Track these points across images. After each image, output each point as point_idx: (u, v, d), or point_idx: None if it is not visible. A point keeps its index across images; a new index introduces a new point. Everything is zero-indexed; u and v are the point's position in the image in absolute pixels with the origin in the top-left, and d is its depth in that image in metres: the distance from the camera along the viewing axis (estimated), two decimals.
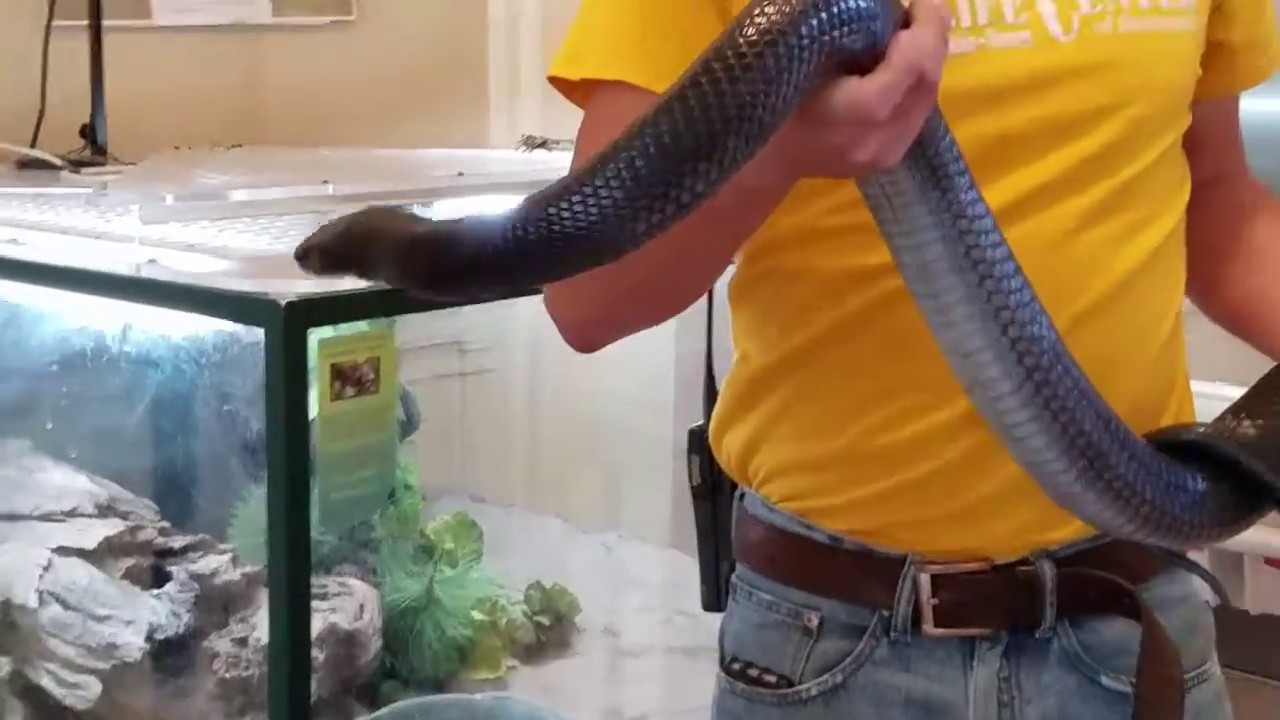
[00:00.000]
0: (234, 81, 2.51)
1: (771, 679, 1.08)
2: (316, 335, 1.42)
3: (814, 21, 0.66)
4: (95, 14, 2.15)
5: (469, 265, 0.68)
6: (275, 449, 1.32)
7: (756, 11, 0.67)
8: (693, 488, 1.23)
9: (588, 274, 0.81)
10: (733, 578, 1.14)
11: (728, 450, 1.14)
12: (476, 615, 1.94)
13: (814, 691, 1.07)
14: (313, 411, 1.49)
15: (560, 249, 0.68)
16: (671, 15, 1.02)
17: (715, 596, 1.20)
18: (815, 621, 1.07)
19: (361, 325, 1.64)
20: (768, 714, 1.09)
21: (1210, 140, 1.16)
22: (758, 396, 1.10)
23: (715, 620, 1.18)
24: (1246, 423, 1.01)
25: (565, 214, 0.66)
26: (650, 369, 2.33)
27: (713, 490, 1.20)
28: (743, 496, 1.14)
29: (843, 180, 0.87)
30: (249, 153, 2.22)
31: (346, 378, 1.60)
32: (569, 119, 2.69)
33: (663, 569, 2.28)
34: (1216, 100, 1.16)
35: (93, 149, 2.16)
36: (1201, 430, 1.01)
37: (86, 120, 2.17)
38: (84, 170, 2.07)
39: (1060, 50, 1.01)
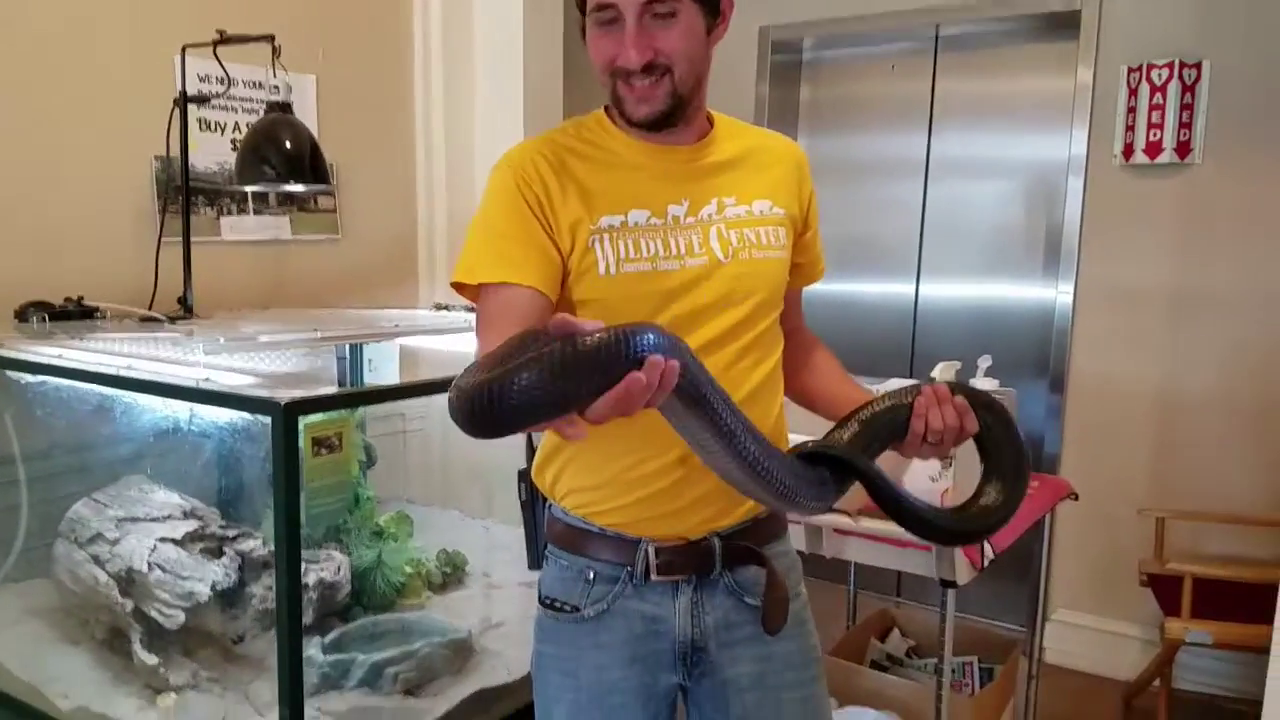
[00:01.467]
0: (269, 270, 2.52)
1: (568, 607, 1.15)
2: (304, 420, 1.45)
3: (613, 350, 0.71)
4: (186, 233, 2.18)
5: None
6: (278, 486, 1.34)
7: (587, 342, 0.71)
8: (521, 501, 1.29)
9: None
10: (546, 551, 1.20)
11: (542, 479, 1.19)
12: (407, 569, 1.97)
13: (591, 613, 1.14)
14: (302, 463, 1.55)
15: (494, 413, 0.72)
16: (525, 237, 1.05)
17: (535, 561, 1.26)
18: (592, 575, 1.15)
19: (334, 413, 1.70)
20: (566, 628, 1.16)
21: (790, 311, 1.25)
22: (558, 450, 1.15)
23: (536, 574, 1.25)
24: (837, 436, 1.09)
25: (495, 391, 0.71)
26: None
27: (532, 502, 1.26)
28: (549, 505, 1.20)
29: None
30: (275, 312, 2.25)
31: (321, 444, 1.65)
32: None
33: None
34: (794, 291, 1.27)
35: (184, 309, 2.18)
36: (813, 444, 1.08)
37: (181, 293, 2.19)
38: (178, 322, 2.07)
39: (723, 268, 1.12)
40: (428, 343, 1.99)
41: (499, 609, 2.01)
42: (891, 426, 1.09)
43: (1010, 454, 1.14)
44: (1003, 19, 3.28)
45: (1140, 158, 3.00)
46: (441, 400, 1.95)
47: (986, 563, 1.91)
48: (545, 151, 1.10)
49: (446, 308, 2.26)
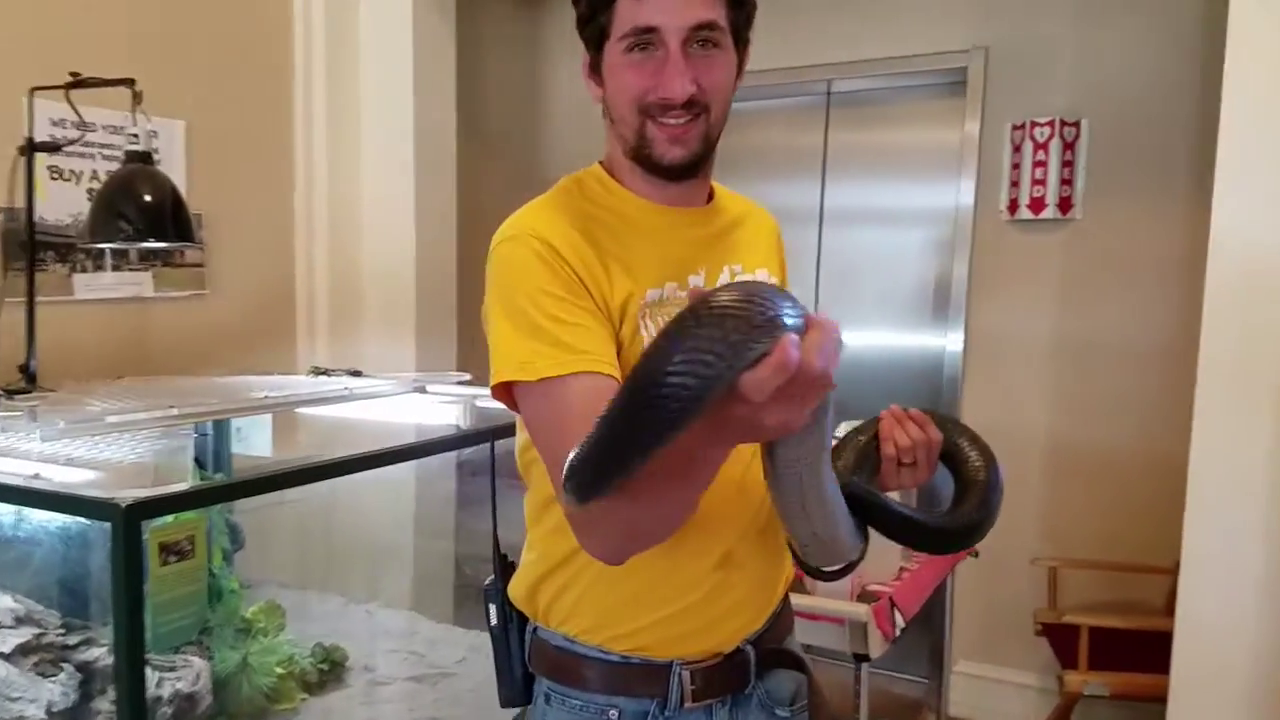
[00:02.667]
0: (127, 332, 2.29)
1: None
2: (150, 525, 1.27)
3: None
4: (30, 292, 1.94)
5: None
6: (118, 604, 1.16)
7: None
8: (491, 627, 1.10)
9: (604, 526, 0.81)
10: (544, 688, 1.03)
11: (532, 600, 1.04)
12: (278, 669, 1.77)
13: None
14: (147, 574, 1.34)
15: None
16: (584, 316, 0.90)
17: (511, 698, 1.09)
18: (616, 714, 0.99)
19: (186, 514, 1.50)
20: None
21: None
22: (564, 563, 1.00)
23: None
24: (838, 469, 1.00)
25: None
26: (395, 498, 2.23)
27: (505, 629, 1.08)
28: (534, 631, 1.05)
29: None
30: (129, 383, 2.01)
31: (170, 550, 1.45)
32: (348, 354, 2.54)
33: (402, 624, 2.15)
34: None
35: (26, 380, 1.92)
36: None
37: (22, 360, 1.94)
38: (16, 397, 1.83)
39: None
40: (304, 410, 1.82)
41: (385, 711, 1.82)
42: (868, 457, 1.04)
43: (980, 450, 1.08)
44: (892, 75, 3.31)
45: (1025, 213, 3.05)
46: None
47: (899, 632, 1.85)
48: (570, 219, 0.95)
49: (325, 372, 2.07)
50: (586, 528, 0.83)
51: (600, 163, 1.04)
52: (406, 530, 2.24)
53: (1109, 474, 2.99)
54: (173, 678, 1.59)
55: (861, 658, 1.79)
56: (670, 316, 0.93)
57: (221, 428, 1.95)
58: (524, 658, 1.06)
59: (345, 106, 2.73)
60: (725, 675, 1.00)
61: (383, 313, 2.76)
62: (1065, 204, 3.00)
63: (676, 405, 0.59)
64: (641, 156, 0.97)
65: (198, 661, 1.64)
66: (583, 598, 0.99)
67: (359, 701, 1.83)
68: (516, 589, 1.06)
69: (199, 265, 2.43)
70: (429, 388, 2.04)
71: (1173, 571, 2.74)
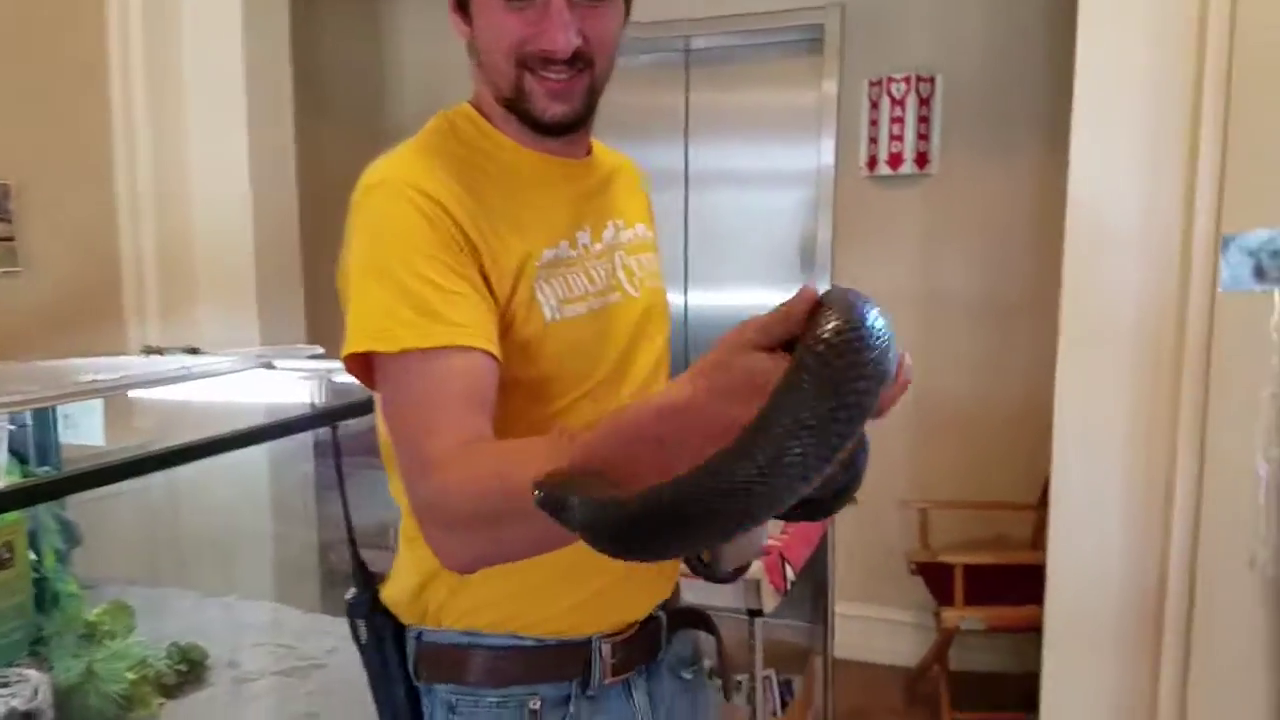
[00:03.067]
0: None
1: None
2: None
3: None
4: None
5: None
6: None
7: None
8: (362, 645, 0.96)
9: (501, 540, 0.71)
10: (445, 697, 0.91)
11: (418, 603, 0.92)
12: (130, 675, 1.61)
13: None
14: None
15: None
16: (460, 282, 0.78)
17: (396, 717, 0.94)
18: (538, 704, 0.89)
19: (3, 516, 1.32)
20: None
21: None
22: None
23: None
24: None
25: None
26: (247, 484, 2.07)
27: (379, 642, 0.94)
28: (421, 636, 0.92)
29: None
30: None
31: None
32: (184, 332, 2.34)
33: (266, 616, 2.00)
34: None
35: None
36: None
37: None
38: None
39: (635, 302, 0.94)
40: (139, 394, 1.64)
41: (254, 709, 1.68)
42: None
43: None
44: (750, 32, 3.30)
45: (883, 168, 3.11)
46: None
47: (789, 585, 1.85)
48: (450, 169, 0.84)
49: (159, 351, 1.89)
50: (462, 535, 0.72)
51: (470, 103, 0.93)
52: (262, 517, 2.09)
53: (972, 420, 3.10)
54: (5, 695, 1.42)
55: (755, 612, 1.77)
56: (568, 279, 0.87)
57: (44, 417, 1.75)
58: (406, 671, 0.94)
59: (167, 62, 2.49)
60: (642, 645, 0.95)
61: (219, 286, 2.55)
62: (922, 159, 3.07)
63: (807, 472, 0.51)
64: (519, 110, 0.88)
65: (35, 675, 1.47)
66: (490, 589, 0.89)
67: (224, 702, 1.68)
68: (395, 593, 0.94)
69: (8, 239, 2.18)
70: (276, 363, 1.88)
71: (1037, 508, 2.89)
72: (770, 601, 1.76)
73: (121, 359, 1.82)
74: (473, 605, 0.89)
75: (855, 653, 3.14)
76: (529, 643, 0.90)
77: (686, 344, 3.62)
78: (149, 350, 1.85)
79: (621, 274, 0.93)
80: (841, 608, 3.22)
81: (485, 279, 0.81)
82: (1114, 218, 2.04)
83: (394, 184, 0.81)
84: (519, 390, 0.82)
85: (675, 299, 3.63)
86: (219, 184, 2.54)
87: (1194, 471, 1.93)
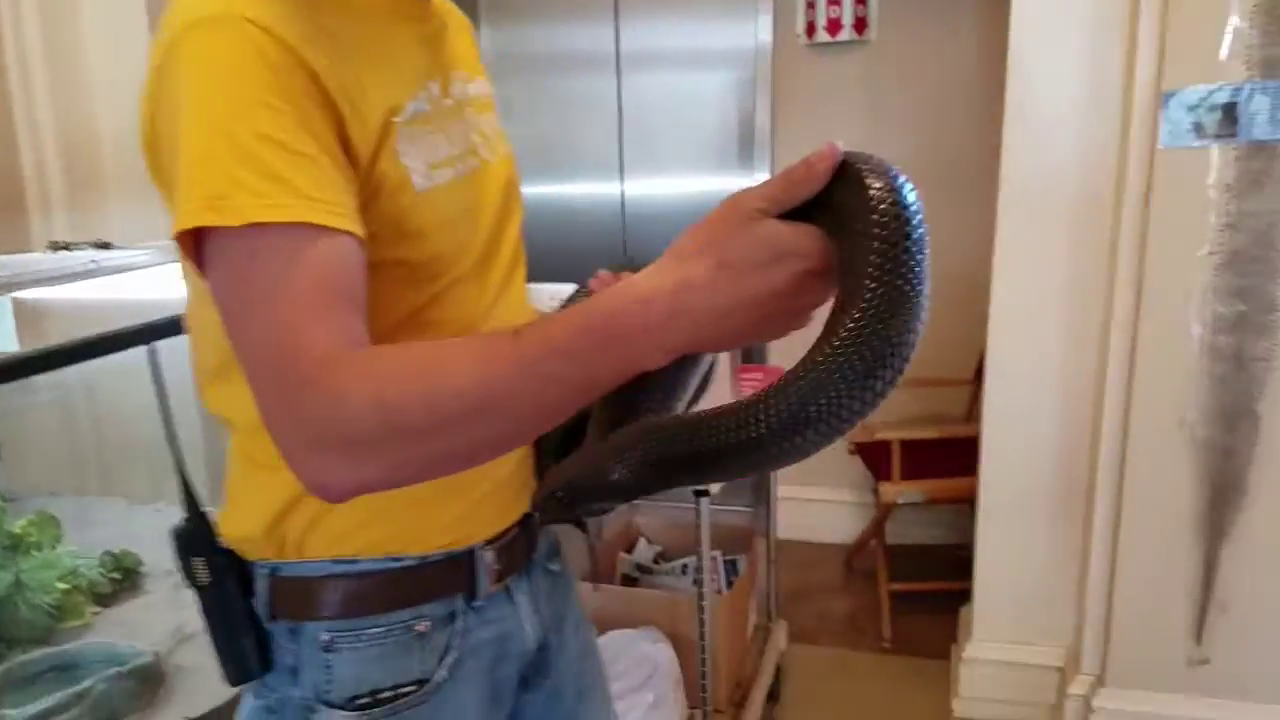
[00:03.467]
0: None
1: (409, 687, 0.80)
2: None
3: None
4: None
5: None
6: None
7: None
8: (201, 587, 0.81)
9: (411, 451, 0.61)
10: (317, 637, 0.79)
11: (274, 536, 0.79)
12: (61, 585, 1.55)
13: (445, 674, 0.82)
14: None
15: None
16: (312, 143, 0.63)
17: (245, 667, 0.81)
18: (425, 625, 0.81)
19: None
20: (415, 716, 0.81)
21: None
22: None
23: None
24: None
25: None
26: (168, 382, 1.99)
27: (220, 582, 0.81)
28: (276, 571, 0.79)
29: None
30: None
31: None
32: (93, 227, 2.20)
33: None
34: None
35: None
36: None
37: None
38: None
39: (492, 168, 0.83)
40: (49, 294, 1.54)
41: (193, 615, 1.65)
42: None
43: None
44: None
45: (822, 35, 3.03)
46: (82, 367, 1.51)
47: None
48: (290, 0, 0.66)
49: (66, 247, 1.77)
50: (357, 458, 0.60)
51: None
52: (190, 417, 2.01)
53: None
54: None
55: (701, 493, 1.78)
56: (430, 140, 0.74)
57: None
58: (253, 613, 0.81)
59: None
60: (521, 546, 0.89)
61: (129, 177, 2.39)
62: (860, 24, 3.00)
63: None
64: None
65: None
66: (364, 509, 0.75)
67: (163, 608, 1.64)
68: (238, 527, 0.81)
69: None
70: None
71: (972, 383, 2.94)
72: (717, 483, 1.76)
73: (24, 256, 1.71)
74: (344, 530, 0.79)
75: (795, 533, 3.21)
76: (410, 562, 0.81)
77: (625, 236, 3.56)
78: (56, 246, 1.73)
79: (476, 136, 0.81)
80: (782, 491, 3.29)
81: (345, 140, 0.67)
82: (1054, 78, 2.01)
83: (225, 20, 0.63)
84: (384, 274, 0.69)
85: (612, 189, 3.54)
86: (118, 69, 2.35)
87: (1129, 335, 1.96)
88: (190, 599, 1.62)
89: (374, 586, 0.80)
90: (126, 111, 2.34)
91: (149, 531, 1.84)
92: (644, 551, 2.42)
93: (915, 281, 0.52)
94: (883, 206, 0.52)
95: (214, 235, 0.62)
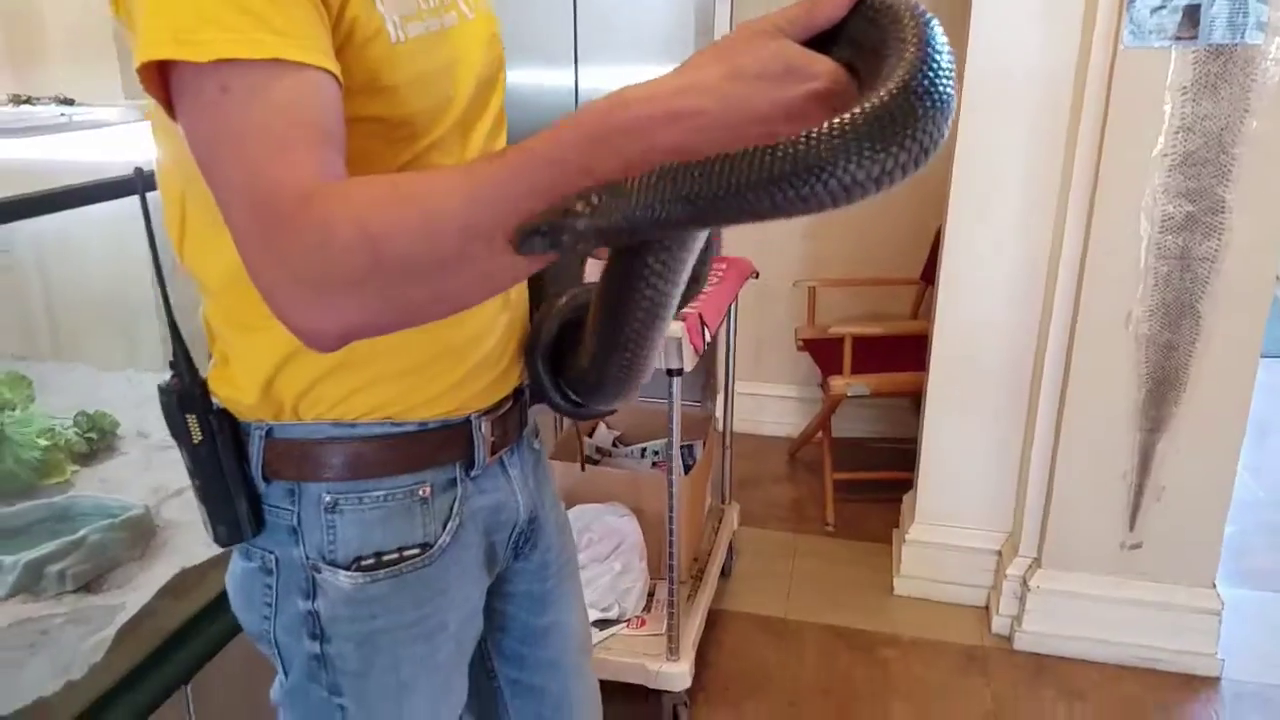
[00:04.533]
0: None
1: (413, 550, 0.82)
2: None
3: None
4: None
5: None
6: None
7: None
8: (194, 445, 0.80)
9: (402, 285, 0.59)
10: (320, 498, 0.80)
11: (272, 394, 0.78)
12: (41, 441, 1.54)
13: (447, 540, 0.84)
14: None
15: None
16: None
17: (237, 527, 0.81)
18: (427, 490, 0.82)
19: None
20: (418, 579, 0.83)
21: None
22: (296, 346, 0.71)
23: None
24: None
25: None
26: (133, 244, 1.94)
27: (213, 439, 0.80)
28: (271, 432, 0.79)
29: None
30: None
31: None
32: (36, 85, 2.09)
33: None
34: None
35: None
36: None
37: None
38: None
39: (471, 25, 0.79)
40: (16, 148, 1.48)
41: (172, 473, 1.65)
42: None
43: None
44: None
45: None
46: (38, 225, 1.47)
47: (705, 345, 1.91)
48: None
49: (29, 100, 1.70)
50: (347, 294, 0.59)
51: None
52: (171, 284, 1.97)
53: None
54: None
55: (675, 371, 1.83)
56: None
57: None
58: (246, 474, 0.81)
59: None
60: (514, 420, 0.90)
61: (72, 34, 2.28)
62: None
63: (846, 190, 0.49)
64: None
65: None
66: (362, 373, 0.78)
67: (141, 467, 1.65)
68: (230, 387, 0.80)
69: None
70: None
71: (917, 282, 3.05)
72: (690, 360, 1.82)
73: None
74: (342, 394, 0.79)
75: (742, 426, 3.31)
76: (410, 428, 0.81)
77: None
78: (17, 100, 1.65)
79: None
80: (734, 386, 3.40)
81: None
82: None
83: None
84: (358, 131, 0.66)
85: (566, 79, 3.49)
86: None
87: (1081, 232, 2.05)
88: (170, 459, 1.63)
89: (375, 450, 0.80)
90: None
91: (119, 397, 1.82)
92: (604, 436, 2.49)
93: (946, 88, 0.50)
94: (911, 35, 0.51)
95: (182, 71, 0.59)
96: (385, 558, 0.81)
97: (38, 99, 1.68)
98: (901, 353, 2.78)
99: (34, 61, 2.23)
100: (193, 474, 0.81)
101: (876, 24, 0.53)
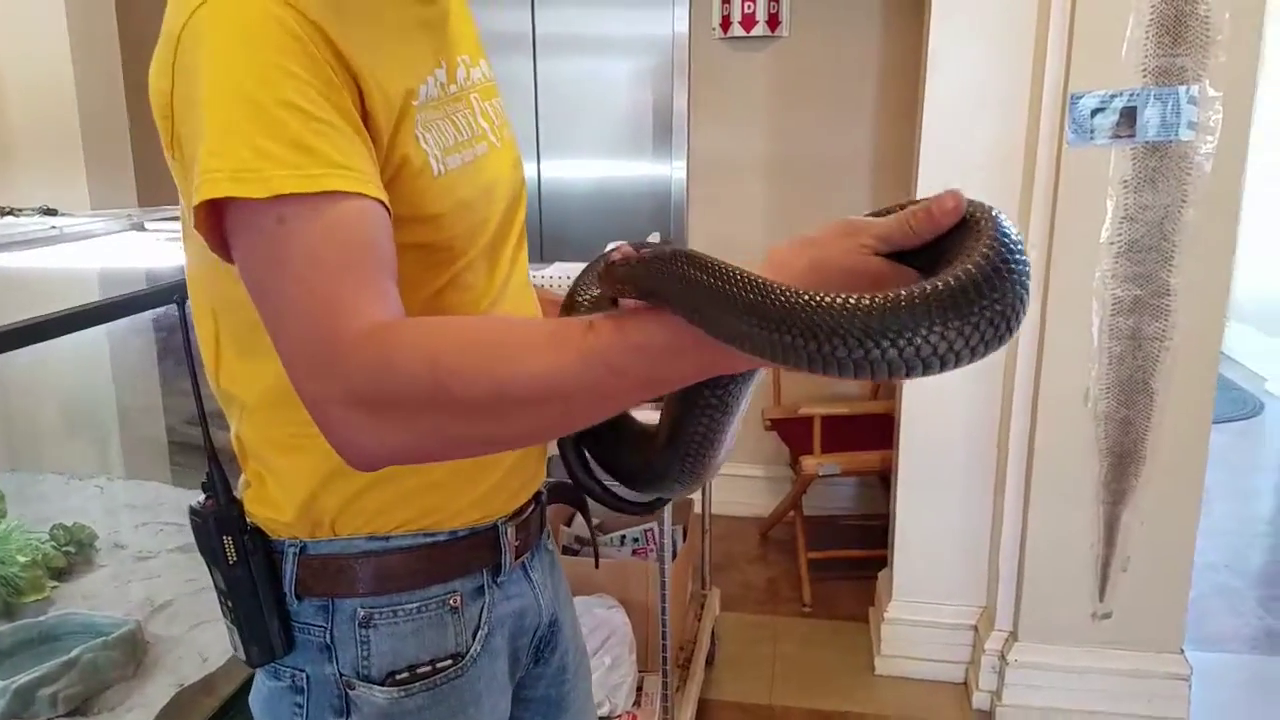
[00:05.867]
0: None
1: (446, 662, 0.82)
2: None
3: None
4: None
5: None
6: None
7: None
8: (229, 566, 0.80)
9: (458, 423, 0.61)
10: (354, 614, 0.80)
11: (309, 513, 0.79)
12: (20, 558, 1.50)
13: (478, 649, 0.84)
14: None
15: None
16: (337, 115, 0.64)
17: (269, 647, 0.81)
18: (458, 600, 0.83)
19: None
20: (452, 690, 0.83)
21: None
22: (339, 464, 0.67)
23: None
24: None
25: None
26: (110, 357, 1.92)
27: (246, 560, 0.81)
28: (305, 550, 0.80)
29: None
30: None
31: None
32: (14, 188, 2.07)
33: (148, 495, 1.90)
34: None
35: None
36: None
37: None
38: None
39: (500, 154, 0.84)
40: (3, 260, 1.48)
41: (156, 586, 1.61)
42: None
43: None
44: None
45: (737, 29, 3.16)
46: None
47: None
48: None
49: (12, 212, 1.69)
50: (405, 421, 0.61)
51: None
52: (135, 392, 1.96)
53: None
54: None
55: None
56: (440, 125, 0.74)
57: None
58: (279, 593, 0.81)
59: None
60: (535, 523, 0.92)
61: (40, 143, 2.29)
62: (774, 20, 3.14)
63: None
64: None
65: None
66: (399, 486, 0.79)
67: (122, 580, 1.61)
68: (268, 507, 0.81)
69: None
70: (148, 224, 1.75)
71: None
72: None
73: None
74: (377, 508, 0.80)
75: (716, 508, 3.33)
76: (442, 538, 0.82)
77: (541, 218, 3.60)
78: (1, 211, 1.65)
79: (484, 121, 0.83)
80: None
81: (366, 116, 0.67)
82: (969, 78, 2.17)
83: None
84: (402, 258, 0.68)
85: (528, 171, 3.57)
86: (28, 34, 2.25)
87: (1037, 316, 2.14)
88: (149, 570, 1.60)
89: (407, 562, 0.81)
90: (32, 76, 2.24)
91: (91, 505, 1.79)
92: (581, 525, 2.48)
93: (1024, 265, 0.51)
94: (985, 227, 0.53)
95: (239, 207, 0.61)
96: (419, 670, 0.81)
97: (19, 210, 1.68)
98: (867, 431, 2.83)
99: (3, 168, 2.24)
100: (226, 595, 0.81)
101: (965, 235, 0.55)
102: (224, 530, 0.80)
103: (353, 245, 0.63)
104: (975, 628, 2.41)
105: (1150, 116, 1.99)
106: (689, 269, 0.54)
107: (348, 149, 0.64)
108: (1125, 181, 2.02)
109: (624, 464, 0.88)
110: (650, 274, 0.58)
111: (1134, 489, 2.14)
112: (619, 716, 1.93)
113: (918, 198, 0.62)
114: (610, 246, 1.00)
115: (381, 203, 0.65)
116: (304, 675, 0.81)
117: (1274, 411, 4.52)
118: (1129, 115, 2.00)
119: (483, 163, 0.80)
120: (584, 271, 0.99)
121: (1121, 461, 2.14)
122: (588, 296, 0.91)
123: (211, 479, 0.83)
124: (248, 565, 0.80)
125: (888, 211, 0.60)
